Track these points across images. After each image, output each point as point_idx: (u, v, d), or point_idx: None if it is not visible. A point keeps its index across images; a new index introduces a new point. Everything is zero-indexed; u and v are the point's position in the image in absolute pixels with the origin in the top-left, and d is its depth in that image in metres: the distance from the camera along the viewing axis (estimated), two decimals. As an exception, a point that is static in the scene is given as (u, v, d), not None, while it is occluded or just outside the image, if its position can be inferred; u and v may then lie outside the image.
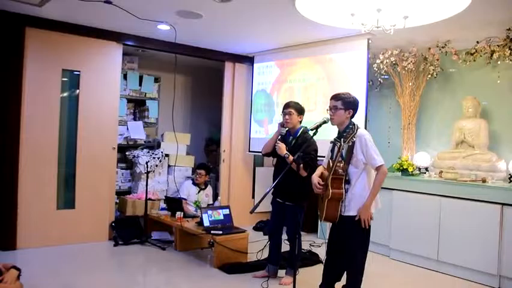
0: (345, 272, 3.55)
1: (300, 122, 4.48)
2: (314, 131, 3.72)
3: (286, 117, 4.42)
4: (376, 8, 4.13)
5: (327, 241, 3.68)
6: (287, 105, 4.48)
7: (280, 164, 4.37)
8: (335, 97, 3.54)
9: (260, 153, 6.64)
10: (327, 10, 4.62)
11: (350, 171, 3.41)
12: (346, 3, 4.31)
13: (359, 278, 3.48)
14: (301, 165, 3.97)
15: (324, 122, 3.71)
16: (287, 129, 4.47)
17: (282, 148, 4.32)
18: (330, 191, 3.33)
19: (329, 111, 3.55)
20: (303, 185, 4.14)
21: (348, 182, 3.41)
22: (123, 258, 5.27)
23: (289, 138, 4.46)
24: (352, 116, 3.52)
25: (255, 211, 3.41)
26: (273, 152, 4.50)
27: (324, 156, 3.75)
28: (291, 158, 4.15)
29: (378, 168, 3.36)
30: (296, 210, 4.31)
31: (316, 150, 4.30)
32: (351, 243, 3.43)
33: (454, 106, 5.76)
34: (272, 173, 4.62)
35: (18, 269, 3.31)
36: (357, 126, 3.45)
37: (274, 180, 4.28)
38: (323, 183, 3.46)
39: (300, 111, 4.47)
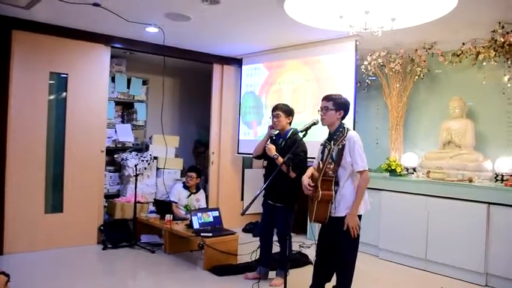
0: (335, 273, 3.57)
1: (290, 123, 4.51)
2: (304, 132, 3.73)
3: (275, 119, 4.46)
4: (364, 10, 4.17)
5: (316, 242, 3.70)
6: (275, 108, 4.52)
7: (271, 165, 4.40)
8: (327, 98, 3.56)
9: (249, 155, 6.68)
10: (316, 12, 4.66)
11: (339, 173, 3.43)
12: (334, 6, 4.35)
13: (349, 279, 3.49)
14: (290, 166, 3.99)
15: (314, 124, 3.73)
16: (277, 131, 4.50)
17: (271, 149, 4.35)
18: (320, 192, 3.36)
19: (320, 112, 3.57)
20: (293, 186, 4.16)
21: (337, 183, 3.43)
22: (112, 262, 5.25)
23: (279, 140, 4.49)
24: (343, 118, 3.55)
25: (245, 213, 3.42)
26: (263, 154, 4.53)
27: (314, 158, 3.77)
28: (280, 159, 4.18)
29: (360, 174, 3.39)
30: (286, 211, 4.32)
31: (305, 152, 4.34)
32: (341, 244, 3.44)
33: (440, 107, 5.82)
34: (262, 175, 4.65)
35: (7, 275, 3.27)
36: (348, 129, 3.47)
37: (265, 181, 4.30)
38: (313, 184, 3.48)
39: (289, 113, 4.49)
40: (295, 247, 5.73)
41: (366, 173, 3.42)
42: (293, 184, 4.15)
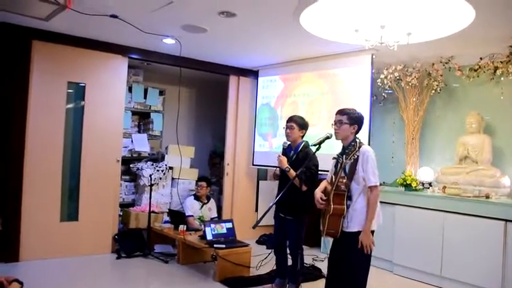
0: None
1: (302, 136, 4.51)
2: (317, 146, 3.72)
3: (288, 130, 4.47)
4: (380, 24, 4.17)
5: (328, 257, 3.68)
6: (290, 119, 4.53)
7: (284, 177, 4.39)
8: (341, 112, 3.55)
9: (264, 167, 6.70)
10: (331, 26, 4.67)
11: (352, 187, 3.41)
12: (350, 19, 4.37)
13: None
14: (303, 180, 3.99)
15: (327, 138, 3.73)
16: (289, 143, 4.50)
17: (283, 162, 4.35)
18: (332, 206, 3.34)
19: (333, 126, 3.56)
20: (304, 200, 4.16)
21: (350, 198, 3.41)
22: (125, 271, 5.28)
23: (291, 153, 4.49)
24: (357, 132, 3.53)
25: (259, 224, 3.42)
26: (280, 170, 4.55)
27: (326, 171, 3.76)
28: (292, 172, 4.19)
29: (371, 189, 3.36)
30: (297, 224, 4.32)
31: (317, 165, 4.33)
32: (353, 258, 3.41)
33: (457, 121, 5.76)
34: (277, 187, 4.65)
35: (21, 282, 3.30)
36: (361, 143, 3.45)
37: (278, 193, 4.29)
38: (325, 198, 3.46)
39: (303, 126, 4.49)
40: (308, 260, 5.70)
41: (378, 188, 3.39)
42: (304, 197, 4.15)
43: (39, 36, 5.28)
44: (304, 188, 4.17)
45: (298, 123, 4.47)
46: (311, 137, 4.44)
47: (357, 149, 3.37)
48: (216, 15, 4.42)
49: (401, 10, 4.05)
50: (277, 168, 4.55)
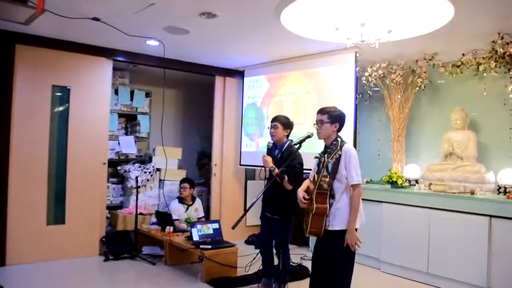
0: (332, 286, 3.53)
1: (287, 136, 4.51)
2: (298, 145, 3.73)
3: (272, 130, 4.47)
4: (360, 22, 4.18)
5: (311, 256, 3.68)
6: (274, 119, 4.54)
7: (270, 177, 4.38)
8: (321, 111, 3.55)
9: (251, 167, 6.69)
10: (312, 24, 4.68)
11: (335, 186, 3.41)
12: (330, 18, 4.37)
13: None
14: (286, 178, 3.98)
15: (308, 137, 3.74)
16: (273, 142, 4.50)
17: (268, 161, 4.35)
18: (315, 205, 3.34)
19: (315, 125, 3.56)
20: (290, 199, 4.15)
21: (332, 196, 3.41)
22: (113, 274, 5.26)
23: (275, 152, 4.48)
24: (339, 130, 3.53)
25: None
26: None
27: (310, 169, 3.76)
28: (276, 171, 4.18)
29: (354, 187, 3.36)
30: (283, 223, 4.32)
31: (301, 164, 4.33)
32: (337, 257, 3.42)
33: (442, 118, 5.78)
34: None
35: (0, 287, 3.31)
36: (343, 142, 3.44)
37: (263, 194, 4.28)
38: (308, 197, 3.46)
39: (287, 125, 4.49)
40: (296, 259, 5.71)
41: (360, 187, 3.39)
42: (290, 196, 4.15)
43: (22, 40, 5.26)
44: (289, 187, 4.17)
45: (282, 122, 4.47)
46: (298, 136, 4.44)
47: (339, 148, 3.37)
48: (197, 16, 4.42)
49: (381, 8, 4.07)
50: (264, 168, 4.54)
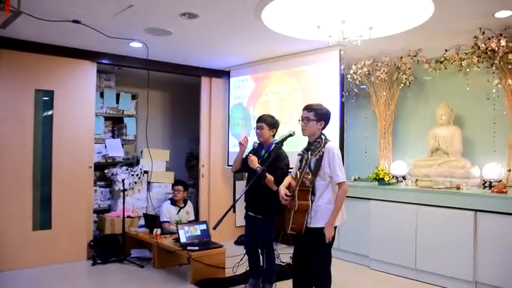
0: (313, 283, 3.54)
1: (273, 135, 4.49)
2: (280, 143, 3.72)
3: (258, 130, 4.45)
4: (341, 19, 4.18)
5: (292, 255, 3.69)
6: (259, 119, 4.51)
7: (252, 177, 4.36)
8: (307, 108, 3.54)
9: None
10: (295, 23, 4.67)
11: (317, 183, 3.41)
12: (312, 16, 4.36)
13: (327, 284, 3.47)
14: (268, 178, 3.98)
15: (290, 135, 3.74)
16: (259, 142, 4.49)
17: (254, 161, 4.32)
18: (297, 202, 3.34)
19: (300, 122, 3.55)
20: (273, 198, 4.14)
21: (313, 193, 3.41)
22: (101, 278, 5.23)
23: (262, 152, 4.46)
24: (323, 128, 3.53)
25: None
26: (244, 167, 4.51)
27: (290, 169, 3.75)
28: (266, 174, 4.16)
29: (339, 185, 3.37)
30: (267, 222, 4.31)
31: (288, 165, 4.32)
32: (316, 253, 3.44)
33: (428, 114, 5.79)
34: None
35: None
36: (326, 139, 3.44)
37: (246, 193, 4.26)
38: (289, 194, 3.45)
39: (273, 125, 4.47)
40: (285, 259, 5.70)
41: (346, 184, 3.40)
42: (273, 196, 4.13)
43: (3, 45, 5.21)
44: (275, 187, 4.13)
45: (267, 122, 4.45)
46: (280, 135, 4.44)
47: (322, 145, 3.37)
48: (178, 17, 4.39)
49: (361, 4, 4.07)
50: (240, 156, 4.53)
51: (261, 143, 4.53)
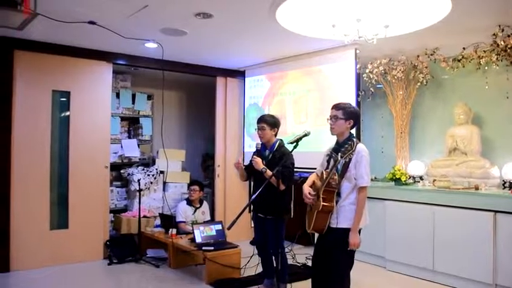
0: (332, 283, 3.49)
1: (275, 135, 4.46)
2: (295, 144, 3.68)
3: (259, 131, 4.43)
4: (356, 18, 4.13)
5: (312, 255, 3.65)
6: (260, 119, 4.48)
7: (259, 179, 4.35)
8: (336, 106, 3.47)
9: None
10: (309, 22, 4.64)
11: (343, 185, 3.34)
12: (327, 15, 4.32)
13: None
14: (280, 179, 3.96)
15: (305, 135, 3.69)
16: (261, 143, 4.48)
17: (258, 163, 4.30)
18: (322, 203, 3.29)
19: (329, 121, 3.49)
20: (282, 198, 4.15)
21: (338, 194, 3.36)
22: (117, 277, 5.26)
23: (266, 153, 4.44)
24: (352, 127, 3.48)
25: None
26: (250, 171, 4.52)
27: (301, 168, 3.69)
28: (268, 172, 4.15)
29: (361, 189, 3.31)
30: (277, 223, 4.30)
31: (293, 164, 4.32)
32: (338, 255, 3.38)
33: (446, 113, 5.71)
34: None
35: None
36: (357, 142, 3.38)
37: (253, 195, 4.23)
38: (314, 193, 3.41)
39: (273, 124, 4.44)
40: (301, 259, 5.68)
41: (367, 189, 3.34)
42: (282, 196, 4.13)
43: (20, 46, 5.28)
44: (282, 187, 4.09)
45: (268, 122, 4.42)
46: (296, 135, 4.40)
47: (354, 148, 3.25)
48: (192, 17, 4.39)
49: (377, 2, 4.01)
50: (241, 162, 4.53)
51: (264, 144, 4.49)
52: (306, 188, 3.48)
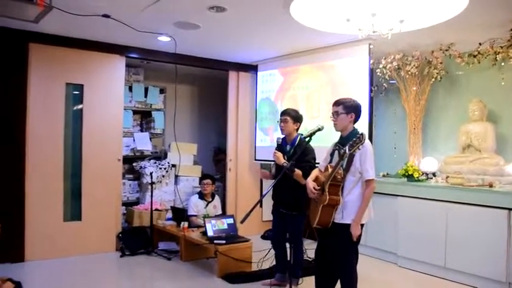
0: (339, 279, 3.50)
1: (297, 129, 4.46)
2: (308, 138, 3.68)
3: (282, 123, 4.43)
4: (371, 12, 4.10)
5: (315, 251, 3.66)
6: (284, 112, 4.50)
7: (279, 173, 4.34)
8: (336, 103, 3.52)
9: (266, 162, 6.63)
10: (323, 16, 4.61)
11: (347, 178, 3.37)
12: (341, 9, 4.29)
13: (353, 284, 3.44)
14: (296, 172, 3.95)
15: (319, 130, 3.70)
16: (283, 137, 4.46)
17: (279, 157, 4.30)
18: (327, 197, 3.30)
19: (331, 118, 3.52)
20: (303, 193, 4.12)
21: (342, 189, 3.37)
22: (129, 269, 5.30)
23: (287, 147, 4.43)
24: (355, 121, 3.49)
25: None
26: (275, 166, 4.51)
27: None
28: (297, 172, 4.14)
29: (368, 182, 3.32)
30: (297, 218, 4.28)
31: (315, 159, 4.30)
32: (343, 250, 3.40)
33: (460, 109, 5.65)
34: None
35: (15, 282, 3.36)
36: (365, 136, 3.36)
37: (275, 189, 4.23)
38: (318, 187, 3.41)
39: (297, 118, 4.44)
40: (312, 254, 5.66)
41: (374, 182, 3.34)
42: (304, 191, 4.11)
43: (35, 39, 5.31)
44: (304, 181, 4.09)
45: (292, 116, 4.42)
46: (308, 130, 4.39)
47: (363, 141, 3.22)
48: (206, 10, 4.39)
49: (392, -3, 3.98)
50: (273, 166, 4.52)
51: (285, 139, 4.49)
52: (311, 183, 3.50)
